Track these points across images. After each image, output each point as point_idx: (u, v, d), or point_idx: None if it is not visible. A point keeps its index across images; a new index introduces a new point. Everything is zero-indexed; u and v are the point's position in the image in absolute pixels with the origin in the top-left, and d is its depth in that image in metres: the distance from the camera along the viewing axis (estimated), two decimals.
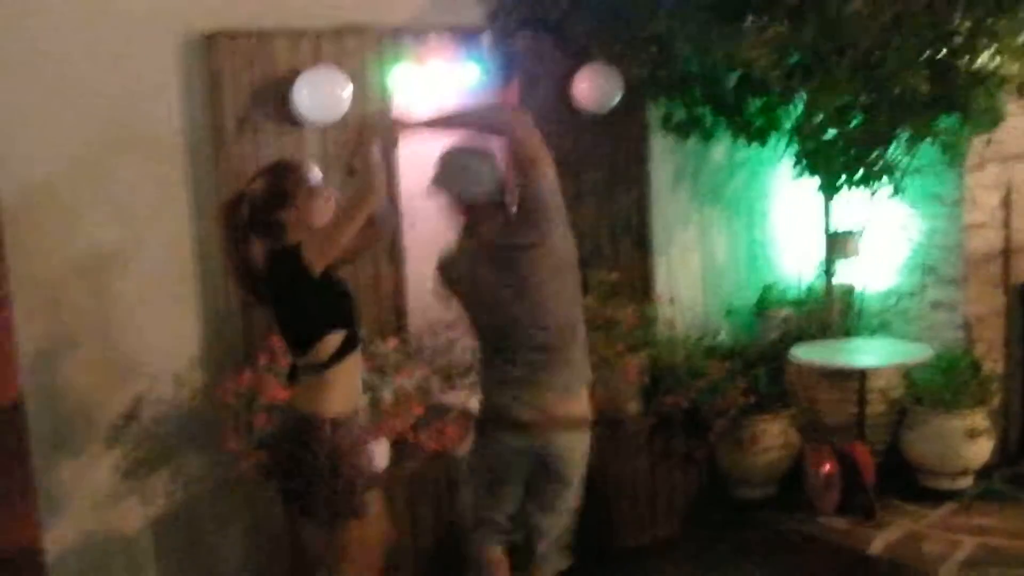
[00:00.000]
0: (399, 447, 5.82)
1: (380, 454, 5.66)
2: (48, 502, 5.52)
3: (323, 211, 4.47)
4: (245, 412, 5.52)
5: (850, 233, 7.47)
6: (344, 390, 4.47)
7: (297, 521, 4.84)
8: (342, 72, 5.83)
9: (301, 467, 4.40)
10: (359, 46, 6.05)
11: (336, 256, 4.36)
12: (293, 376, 4.61)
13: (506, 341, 4.67)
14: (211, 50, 5.70)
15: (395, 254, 6.20)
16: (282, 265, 4.39)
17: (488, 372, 4.81)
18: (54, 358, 5.53)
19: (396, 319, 6.21)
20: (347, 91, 5.80)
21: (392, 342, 5.85)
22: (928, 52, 6.46)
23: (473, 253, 4.72)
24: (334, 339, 4.41)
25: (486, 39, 6.51)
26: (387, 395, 5.55)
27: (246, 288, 4.67)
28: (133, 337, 5.69)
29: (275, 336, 5.39)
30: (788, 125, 7.30)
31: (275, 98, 5.83)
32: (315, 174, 4.55)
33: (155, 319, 5.70)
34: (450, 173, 4.71)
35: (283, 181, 4.49)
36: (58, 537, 5.59)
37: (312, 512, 4.55)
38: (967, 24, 6.41)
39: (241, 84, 5.77)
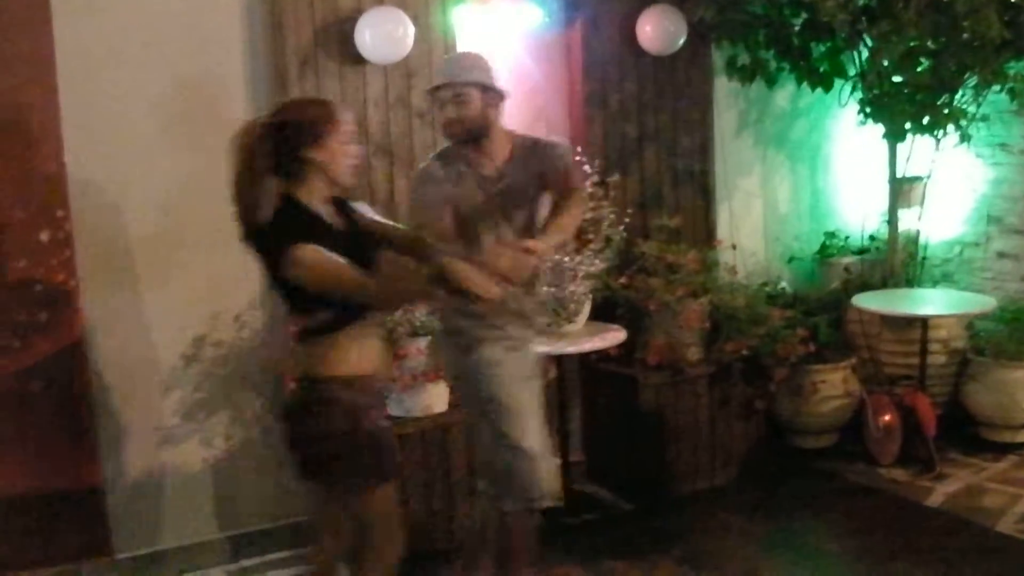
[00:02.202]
0: None
1: (438, 397, 5.67)
2: (109, 442, 5.58)
3: (347, 159, 4.08)
4: None
5: (915, 181, 7.37)
6: (349, 353, 4.03)
7: (322, 497, 4.39)
8: (404, 12, 5.80)
9: (313, 430, 4.05)
10: None
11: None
12: (299, 337, 4.19)
13: None
14: None
15: None
16: (284, 230, 3.94)
17: None
18: (116, 299, 5.56)
19: None
20: (409, 31, 5.76)
21: None
22: None
23: None
24: (323, 315, 4.00)
25: None
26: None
27: (246, 234, 4.07)
28: (193, 277, 5.70)
29: None
30: (853, 71, 7.21)
31: (337, 39, 5.81)
32: (348, 116, 4.13)
33: (215, 259, 5.68)
34: None
35: (317, 117, 4.03)
36: (118, 476, 5.64)
37: (334, 480, 4.17)
38: None
39: (303, 24, 5.74)
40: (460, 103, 4.55)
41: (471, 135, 4.61)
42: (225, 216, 5.57)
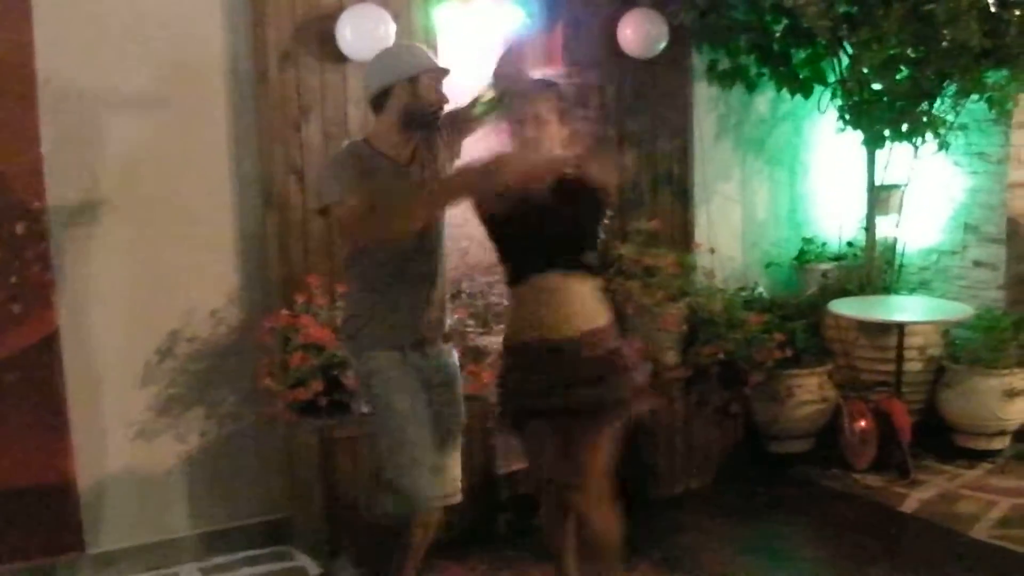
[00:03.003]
0: None
1: None
2: (83, 437, 5.53)
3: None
4: (281, 351, 5.52)
5: (893, 188, 7.39)
6: (510, 318, 4.50)
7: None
8: (386, 10, 5.78)
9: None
10: None
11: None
12: None
13: None
14: None
15: None
16: None
17: None
18: (91, 292, 5.52)
19: None
20: (391, 29, 5.74)
21: None
22: (980, 3, 6.37)
23: None
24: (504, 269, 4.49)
25: None
26: None
27: None
28: (169, 273, 5.67)
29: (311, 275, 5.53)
30: (833, 77, 7.23)
31: (318, 35, 5.79)
32: None
33: (192, 255, 5.68)
34: None
35: None
36: (92, 471, 5.59)
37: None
38: None
39: (284, 20, 5.73)
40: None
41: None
42: (203, 211, 5.59)
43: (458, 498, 4.77)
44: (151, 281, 5.63)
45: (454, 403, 4.75)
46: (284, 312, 5.56)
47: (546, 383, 4.33)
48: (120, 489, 5.68)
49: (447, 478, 4.69)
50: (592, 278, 4.43)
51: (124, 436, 5.66)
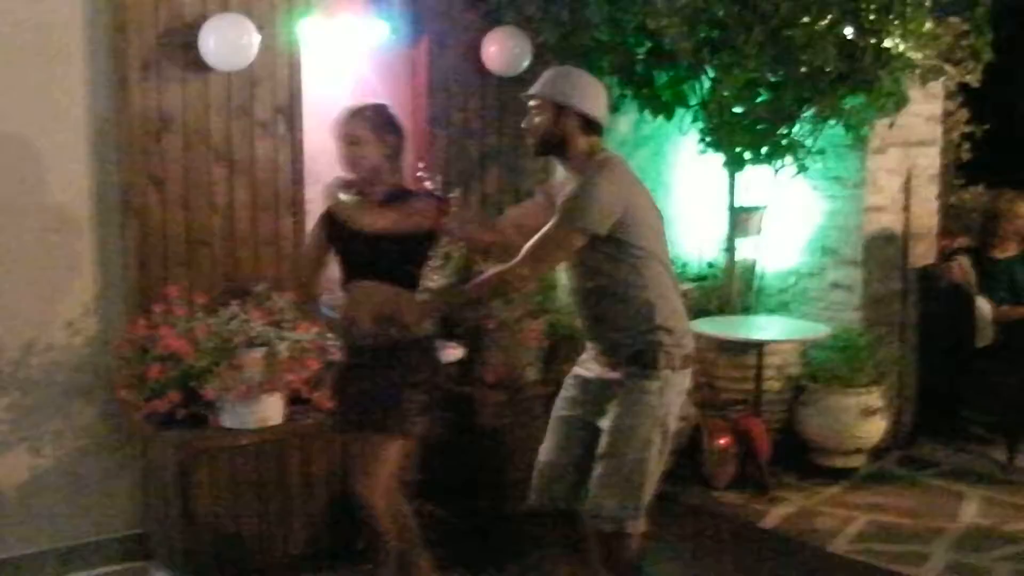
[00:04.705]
0: (294, 404, 5.71)
1: (274, 409, 5.56)
2: None
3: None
4: (139, 362, 5.41)
5: (753, 210, 7.48)
6: None
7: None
8: (250, 20, 5.72)
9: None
10: None
11: None
12: None
13: None
14: None
15: (296, 209, 6.10)
16: None
17: None
18: None
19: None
20: (254, 39, 5.69)
21: (290, 296, 5.74)
22: (836, 29, 6.49)
23: None
24: None
25: None
26: (283, 349, 5.43)
27: None
28: (24, 282, 5.54)
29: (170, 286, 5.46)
30: (695, 100, 7.30)
31: (181, 44, 5.71)
32: None
33: (48, 264, 5.57)
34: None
35: None
36: None
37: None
38: (876, 3, 6.48)
39: (147, 28, 5.64)
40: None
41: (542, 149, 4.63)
42: (60, 220, 5.47)
43: None
44: (4, 290, 5.49)
45: None
46: (142, 322, 5.46)
47: None
48: None
49: None
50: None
51: None
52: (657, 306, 4.46)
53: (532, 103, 4.57)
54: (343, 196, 4.73)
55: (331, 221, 4.81)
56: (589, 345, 4.69)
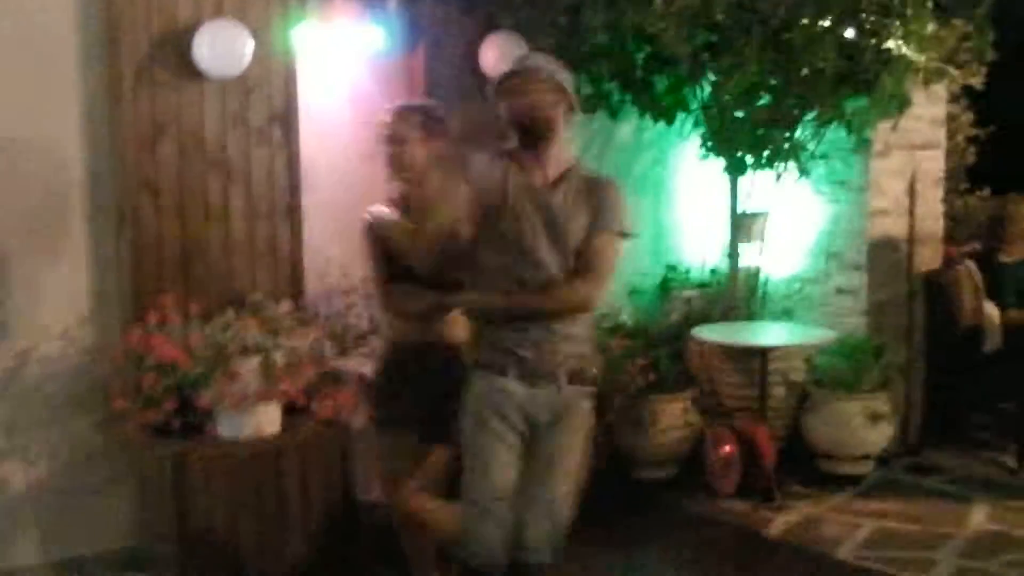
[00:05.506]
0: (291, 413, 5.64)
1: (270, 418, 5.50)
2: None
3: None
4: (134, 371, 5.35)
5: (756, 216, 7.42)
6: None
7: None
8: (244, 27, 5.68)
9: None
10: (264, 1, 5.90)
11: None
12: None
13: None
14: None
15: (293, 216, 6.05)
16: None
17: None
18: None
19: (292, 282, 6.05)
20: (248, 46, 5.66)
21: (286, 305, 5.70)
22: (837, 30, 6.43)
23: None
24: None
25: (392, 2, 6.37)
26: (279, 357, 5.37)
27: None
28: (19, 291, 5.51)
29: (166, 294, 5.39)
30: (695, 104, 7.25)
31: (175, 51, 5.67)
32: None
33: (43, 274, 5.54)
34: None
35: None
36: None
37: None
38: (876, 5, 6.43)
39: (140, 35, 5.60)
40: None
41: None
42: (54, 229, 5.45)
43: None
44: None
45: None
46: (137, 331, 5.40)
47: None
48: None
49: None
50: None
51: None
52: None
53: (537, 84, 4.25)
54: (390, 223, 4.68)
55: (387, 259, 4.72)
56: (519, 360, 4.30)
